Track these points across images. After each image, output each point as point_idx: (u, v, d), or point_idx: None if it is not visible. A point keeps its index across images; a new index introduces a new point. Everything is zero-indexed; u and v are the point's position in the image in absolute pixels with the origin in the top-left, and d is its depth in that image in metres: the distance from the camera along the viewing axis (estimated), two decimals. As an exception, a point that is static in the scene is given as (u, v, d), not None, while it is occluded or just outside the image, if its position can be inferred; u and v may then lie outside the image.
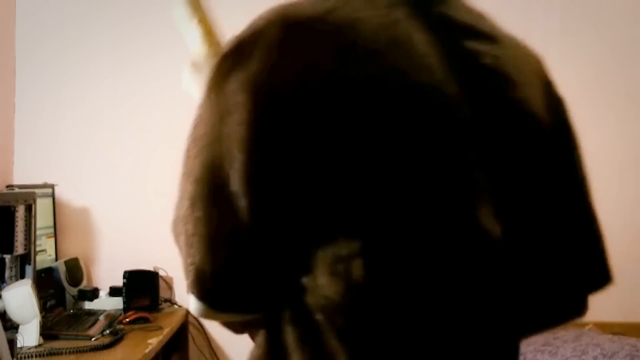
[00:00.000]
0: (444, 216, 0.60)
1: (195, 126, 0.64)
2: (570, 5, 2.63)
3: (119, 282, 2.31)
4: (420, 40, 0.61)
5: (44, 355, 1.74)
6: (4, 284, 1.99)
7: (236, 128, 0.58)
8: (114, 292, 2.36)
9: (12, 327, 1.82)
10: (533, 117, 0.68)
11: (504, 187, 0.64)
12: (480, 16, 0.73)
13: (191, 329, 2.46)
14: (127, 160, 2.56)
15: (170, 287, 2.48)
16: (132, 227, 2.49)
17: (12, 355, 1.61)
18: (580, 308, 0.80)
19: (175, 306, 2.43)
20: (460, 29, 0.66)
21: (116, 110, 2.57)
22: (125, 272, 2.30)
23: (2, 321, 1.71)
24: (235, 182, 0.59)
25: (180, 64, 2.43)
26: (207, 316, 0.69)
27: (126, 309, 2.24)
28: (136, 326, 2.09)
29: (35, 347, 1.81)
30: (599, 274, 0.77)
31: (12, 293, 1.81)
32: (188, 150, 0.65)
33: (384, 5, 0.63)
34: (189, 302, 0.71)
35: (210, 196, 0.62)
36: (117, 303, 2.30)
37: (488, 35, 0.69)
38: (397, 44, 0.60)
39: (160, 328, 2.08)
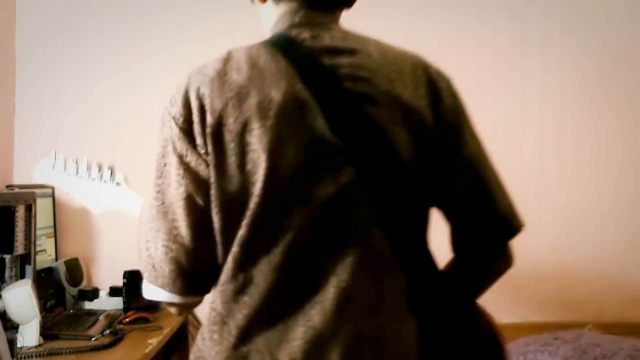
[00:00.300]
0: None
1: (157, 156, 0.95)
2: (570, 5, 2.63)
3: (119, 282, 2.31)
4: (278, 67, 0.90)
5: (44, 355, 1.74)
6: (4, 284, 1.99)
7: (169, 148, 0.91)
8: (114, 292, 2.36)
9: (12, 327, 1.81)
10: (402, 107, 0.91)
11: (373, 164, 0.90)
12: (353, 39, 0.97)
13: (191, 329, 2.46)
14: (127, 160, 2.55)
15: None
16: (132, 227, 2.48)
17: (12, 355, 1.61)
18: (501, 257, 1.02)
19: (175, 306, 2.43)
20: (324, 52, 0.93)
21: (116, 111, 2.57)
22: (125, 272, 2.29)
23: (2, 321, 1.71)
24: (175, 184, 0.90)
25: (180, 64, 2.42)
26: (160, 298, 0.92)
27: (126, 309, 2.24)
28: (136, 326, 2.09)
29: (35, 347, 1.81)
30: (502, 226, 0.98)
31: (12, 293, 1.81)
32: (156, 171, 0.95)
33: (255, 52, 0.92)
34: (145, 291, 0.93)
35: (165, 199, 0.91)
36: (117, 303, 2.30)
37: (351, 50, 0.94)
38: (261, 75, 0.89)
39: (160, 328, 2.08)
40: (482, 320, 1.01)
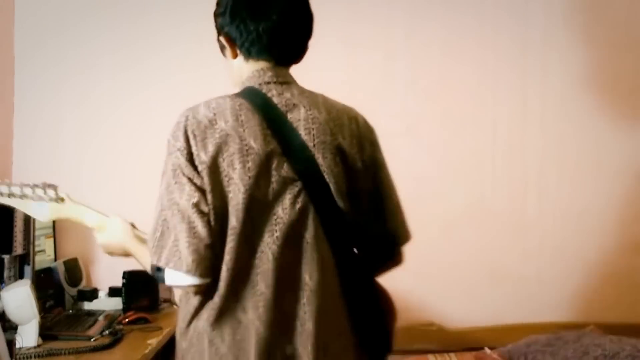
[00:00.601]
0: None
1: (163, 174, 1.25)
2: (570, 5, 2.63)
3: (118, 282, 2.31)
4: (255, 122, 1.24)
5: (43, 355, 1.74)
6: (3, 285, 1.99)
7: (179, 172, 1.21)
8: (113, 292, 2.36)
9: (11, 328, 1.81)
10: (342, 153, 1.28)
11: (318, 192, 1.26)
12: (307, 95, 1.31)
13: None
14: (126, 160, 2.55)
15: (169, 288, 2.47)
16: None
17: (11, 355, 1.60)
18: (394, 258, 1.39)
19: (175, 306, 2.42)
20: (287, 107, 1.28)
21: (116, 111, 2.57)
22: (124, 273, 2.29)
23: (1, 322, 1.71)
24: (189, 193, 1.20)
25: (180, 64, 2.39)
26: (184, 283, 1.18)
27: (125, 309, 2.24)
28: (136, 327, 2.09)
29: (34, 347, 1.80)
30: (393, 241, 1.37)
31: (11, 293, 1.81)
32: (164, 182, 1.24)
33: (237, 105, 1.25)
34: (168, 278, 1.19)
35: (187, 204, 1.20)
36: (117, 303, 2.30)
37: (306, 106, 1.29)
38: (242, 126, 1.23)
39: (160, 328, 2.07)
40: (381, 294, 1.39)
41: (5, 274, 2.02)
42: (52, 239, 2.43)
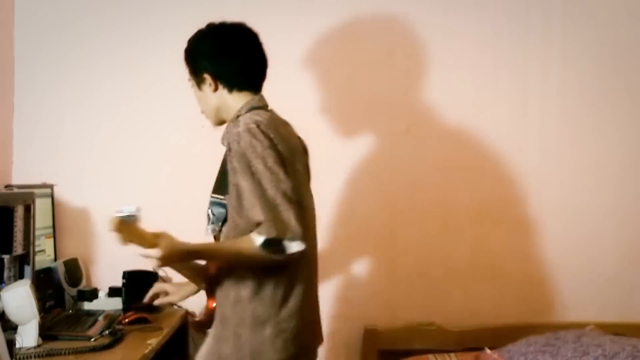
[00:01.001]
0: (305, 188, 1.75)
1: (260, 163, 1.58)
2: (570, 6, 2.62)
3: (118, 282, 2.30)
4: (292, 131, 1.75)
5: (42, 355, 1.74)
6: (3, 285, 1.98)
7: (272, 163, 1.55)
8: (113, 292, 2.36)
9: (10, 328, 1.81)
10: (306, 152, 1.83)
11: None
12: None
13: (191, 329, 2.45)
14: (126, 160, 2.55)
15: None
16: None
17: (11, 355, 1.60)
18: None
19: (175, 307, 2.42)
20: (287, 124, 1.76)
21: (116, 110, 2.56)
22: (124, 273, 2.29)
23: (1, 322, 1.70)
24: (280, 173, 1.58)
25: (180, 65, 2.39)
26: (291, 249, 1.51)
27: (125, 309, 2.24)
28: (136, 327, 2.08)
29: (34, 347, 1.80)
30: None
31: (11, 293, 1.81)
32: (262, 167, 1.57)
33: (281, 119, 1.72)
34: (289, 248, 1.49)
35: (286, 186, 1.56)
36: (117, 303, 2.30)
37: (289, 123, 1.75)
38: (291, 135, 1.73)
39: (160, 329, 2.07)
40: None
41: (5, 274, 2.02)
42: (52, 239, 2.43)
